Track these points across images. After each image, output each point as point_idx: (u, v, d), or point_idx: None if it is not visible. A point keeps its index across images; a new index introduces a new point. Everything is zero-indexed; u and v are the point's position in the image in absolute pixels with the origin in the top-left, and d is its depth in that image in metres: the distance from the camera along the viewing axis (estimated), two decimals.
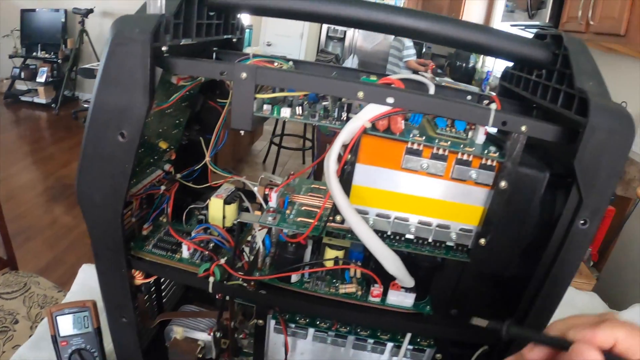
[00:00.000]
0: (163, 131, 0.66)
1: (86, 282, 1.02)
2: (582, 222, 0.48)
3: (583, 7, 2.17)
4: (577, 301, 1.20)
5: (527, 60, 0.58)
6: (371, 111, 0.45)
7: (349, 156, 0.47)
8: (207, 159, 0.67)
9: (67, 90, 5.16)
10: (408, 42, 4.74)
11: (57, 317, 0.67)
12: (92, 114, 0.48)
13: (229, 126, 0.68)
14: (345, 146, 0.47)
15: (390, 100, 0.45)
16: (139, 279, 0.61)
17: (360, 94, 0.45)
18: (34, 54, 5.07)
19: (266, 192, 0.62)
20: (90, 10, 4.84)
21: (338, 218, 0.51)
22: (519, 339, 0.41)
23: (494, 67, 4.71)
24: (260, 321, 0.62)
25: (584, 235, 0.49)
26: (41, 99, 5.10)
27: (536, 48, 0.57)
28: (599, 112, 0.45)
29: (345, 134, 0.46)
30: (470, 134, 0.51)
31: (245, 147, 4.56)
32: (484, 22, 5.43)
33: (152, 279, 0.63)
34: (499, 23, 4.59)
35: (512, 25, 3.19)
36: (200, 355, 0.68)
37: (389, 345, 0.61)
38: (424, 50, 5.69)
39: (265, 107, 0.49)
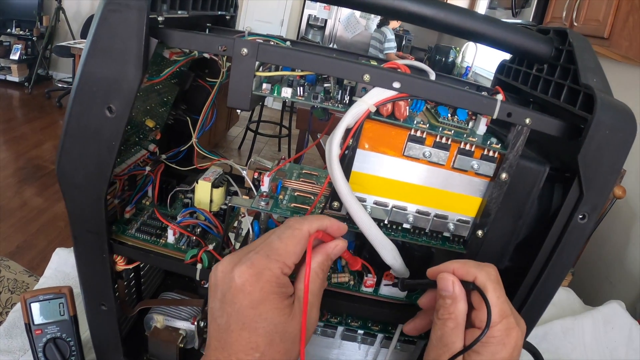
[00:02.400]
0: (150, 108, 0.63)
1: (60, 267, 0.97)
2: (580, 216, 0.48)
3: (568, 8, 2.19)
4: (554, 296, 1.21)
5: (531, 53, 0.57)
6: (376, 95, 0.43)
7: (350, 141, 0.45)
8: (194, 139, 0.64)
9: (40, 68, 5.01)
10: (390, 35, 4.70)
11: (31, 304, 0.62)
12: (78, 85, 0.44)
13: (216, 107, 0.65)
14: (347, 130, 0.45)
15: (396, 84, 0.43)
16: (121, 264, 0.58)
17: (367, 77, 0.43)
18: (8, 30, 4.89)
19: (255, 177, 0.59)
20: None
21: (335, 205, 0.49)
22: (410, 288, 0.53)
23: (473, 62, 4.74)
24: None
25: (582, 230, 0.49)
26: (14, 77, 4.93)
27: (540, 42, 0.56)
28: (605, 109, 0.43)
29: (350, 117, 0.43)
30: (470, 124, 0.50)
31: (221, 133, 4.50)
32: None
33: (134, 265, 0.60)
34: None
35: None
36: (182, 345, 0.65)
37: (380, 336, 0.60)
38: (403, 43, 5.66)
39: (264, 85, 0.46)
